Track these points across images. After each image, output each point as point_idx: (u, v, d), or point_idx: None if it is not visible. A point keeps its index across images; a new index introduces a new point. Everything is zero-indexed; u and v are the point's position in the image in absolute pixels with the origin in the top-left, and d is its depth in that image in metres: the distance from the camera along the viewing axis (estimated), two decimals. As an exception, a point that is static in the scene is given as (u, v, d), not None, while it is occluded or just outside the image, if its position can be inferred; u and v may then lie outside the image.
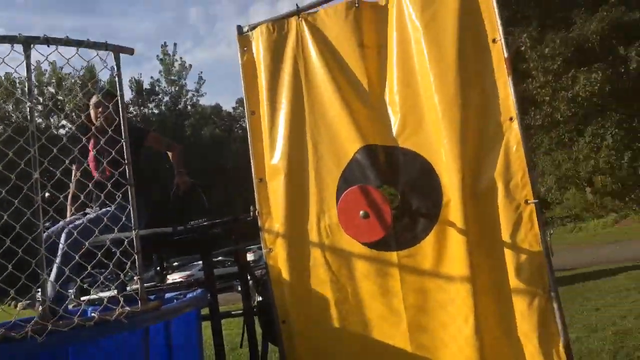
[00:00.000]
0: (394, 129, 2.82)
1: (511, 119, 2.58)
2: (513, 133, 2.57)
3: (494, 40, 2.61)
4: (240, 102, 43.59)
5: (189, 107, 41.48)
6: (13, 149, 2.13)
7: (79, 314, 1.98)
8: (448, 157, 2.63)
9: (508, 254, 2.52)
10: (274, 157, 3.05)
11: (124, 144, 2.27)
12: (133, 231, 2.24)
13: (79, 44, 2.23)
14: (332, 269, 2.86)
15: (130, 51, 2.49)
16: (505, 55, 2.59)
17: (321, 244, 2.89)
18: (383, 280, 2.75)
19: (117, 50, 2.36)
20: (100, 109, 3.05)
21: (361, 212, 2.61)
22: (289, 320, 2.93)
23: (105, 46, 2.32)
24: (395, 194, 2.83)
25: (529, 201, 2.50)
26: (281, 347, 2.96)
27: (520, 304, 2.47)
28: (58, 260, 2.49)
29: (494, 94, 2.63)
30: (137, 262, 2.24)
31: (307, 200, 2.94)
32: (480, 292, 2.52)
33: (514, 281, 2.49)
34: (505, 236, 2.53)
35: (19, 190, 2.09)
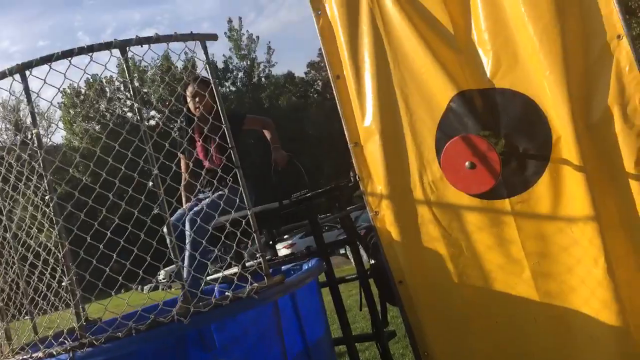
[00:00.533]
0: (488, 70, 2.67)
1: (619, 36, 2.34)
2: (624, 52, 2.34)
3: (590, -48, 2.36)
4: (310, 65, 43.62)
5: (262, 80, 42.13)
6: (130, 149, 2.29)
7: (213, 294, 2.13)
8: (553, 90, 2.45)
9: (635, 186, 2.33)
10: (365, 119, 3.02)
11: (225, 130, 2.36)
12: (248, 211, 2.35)
13: (168, 38, 2.31)
14: (442, 224, 2.82)
15: (214, 37, 2.55)
16: (605, -33, 2.34)
17: (427, 200, 2.85)
18: (498, 230, 2.67)
19: (203, 38, 2.43)
20: (197, 99, 3.17)
21: (467, 163, 2.53)
22: (405, 280, 2.95)
23: (192, 37, 2.39)
24: (499, 138, 2.70)
25: (651, 125, 2.29)
26: (401, 307, 3.00)
27: (655, 236, 2.30)
28: (188, 246, 2.68)
29: (595, 12, 2.39)
30: (256, 240, 2.35)
31: (405, 158, 2.90)
32: (607, 230, 2.37)
33: (645, 213, 2.31)
34: (629, 166, 2.34)
35: (138, 186, 2.25)
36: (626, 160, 2.35)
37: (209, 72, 2.45)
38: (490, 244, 2.70)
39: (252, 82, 41.49)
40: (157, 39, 2.25)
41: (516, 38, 2.56)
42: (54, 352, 1.97)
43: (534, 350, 2.65)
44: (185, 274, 2.29)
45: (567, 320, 2.56)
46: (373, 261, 3.23)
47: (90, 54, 2.10)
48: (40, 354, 2.01)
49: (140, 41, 2.20)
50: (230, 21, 40.20)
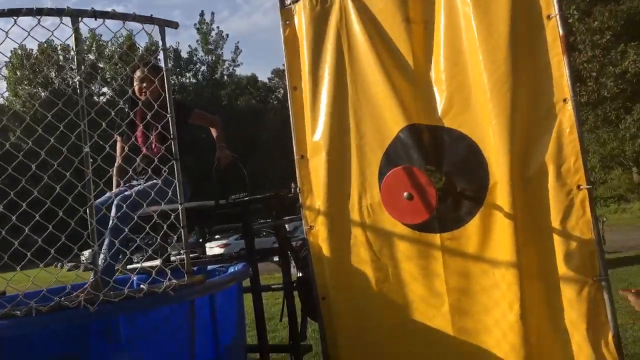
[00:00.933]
0: (440, 108, 2.74)
1: (565, 100, 2.46)
2: (567, 115, 2.46)
3: (548, 17, 2.48)
4: (275, 72, 43.59)
5: (225, 77, 41.74)
6: (64, 122, 2.19)
7: (128, 285, 2.04)
8: (496, 138, 2.55)
9: (557, 241, 2.44)
10: (315, 133, 3.03)
11: (169, 119, 2.29)
12: (179, 205, 2.28)
13: (125, 17, 2.23)
14: (373, 248, 2.85)
15: (175, 25, 2.48)
16: (561, 32, 2.47)
17: (362, 223, 2.88)
18: (425, 262, 2.72)
19: (163, 24, 2.36)
20: (145, 84, 3.08)
21: (405, 194, 2.57)
22: (329, 297, 2.95)
23: (151, 20, 2.32)
24: (440, 175, 2.77)
25: (581, 186, 2.41)
26: (320, 323, 3.00)
27: (568, 291, 2.41)
28: (109, 232, 2.57)
29: (547, 74, 2.51)
30: (182, 236, 2.28)
31: (348, 178, 2.92)
32: (526, 278, 2.47)
33: (562, 268, 2.42)
34: (555, 222, 2.45)
35: (68, 160, 2.14)
36: (554, 215, 2.46)
37: (164, 59, 2.38)
38: (416, 274, 2.75)
39: (214, 77, 40.99)
40: (113, 15, 2.17)
41: (471, 83, 2.65)
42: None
43: (442, 384, 2.70)
44: (100, 260, 2.18)
45: (477, 359, 2.63)
46: (300, 274, 3.21)
47: (39, 16, 2.00)
48: None
49: (94, 14, 2.12)
50: (202, 14, 39.82)
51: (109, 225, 2.59)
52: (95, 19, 2.12)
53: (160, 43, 2.36)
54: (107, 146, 2.22)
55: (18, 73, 35.18)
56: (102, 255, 2.46)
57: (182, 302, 2.15)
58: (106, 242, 2.57)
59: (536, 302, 2.48)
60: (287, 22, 3.15)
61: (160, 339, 2.14)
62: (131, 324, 2.04)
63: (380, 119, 2.86)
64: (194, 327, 2.25)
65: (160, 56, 2.44)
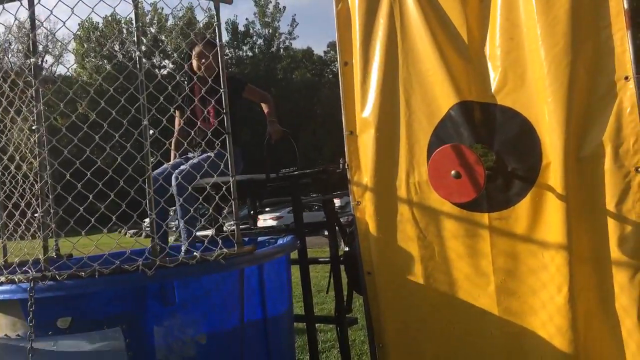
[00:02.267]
0: (493, 85, 2.67)
1: (627, 78, 2.35)
2: (628, 93, 2.35)
3: (612, -11, 2.35)
4: (331, 46, 43.27)
5: (281, 50, 41.85)
6: (124, 96, 2.31)
7: (183, 251, 2.16)
8: (551, 116, 2.47)
9: (611, 224, 2.37)
10: (365, 109, 3.03)
11: (222, 94, 2.37)
12: (230, 178, 2.37)
13: (180, -8, 2.31)
14: (419, 226, 2.86)
15: (229, 0, 2.54)
16: (625, 6, 2.34)
17: (409, 200, 2.88)
18: (472, 241, 2.71)
19: (217, -1, 2.42)
20: (201, 60, 3.17)
21: (452, 172, 2.56)
22: (374, 272, 3.00)
23: (205, -5, 2.39)
24: (490, 153, 2.72)
25: (640, 169, 2.31)
26: (365, 297, 3.05)
27: (621, 276, 2.34)
28: (180, 208, 2.71)
29: (608, 50, 2.39)
30: (233, 208, 2.38)
31: (397, 155, 2.92)
32: (576, 261, 2.41)
33: (615, 252, 2.35)
34: (610, 205, 2.37)
35: (130, 133, 2.27)
36: (609, 197, 2.38)
37: (218, 34, 2.45)
38: (462, 253, 2.74)
39: (271, 51, 41.18)
40: (171, -9, 2.24)
41: (527, 59, 2.57)
42: (16, 279, 2.01)
43: (484, 362, 2.72)
44: (182, 229, 2.33)
45: (522, 340, 2.62)
46: (347, 248, 3.27)
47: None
48: (2, 279, 2.05)
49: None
50: (260, -14, 39.78)
51: (176, 198, 2.72)
52: (154, -7, 2.20)
53: (215, 18, 2.42)
54: (164, 119, 2.33)
55: (85, 46, 36.64)
56: (181, 225, 2.61)
57: (231, 270, 2.26)
58: (180, 213, 2.72)
59: (586, 286, 2.43)
60: (340, -4, 3.13)
61: (211, 304, 2.27)
62: (184, 289, 2.17)
63: (430, 96, 2.82)
64: (242, 295, 2.36)
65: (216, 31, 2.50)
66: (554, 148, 2.47)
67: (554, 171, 2.48)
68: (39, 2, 2.07)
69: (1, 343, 2.22)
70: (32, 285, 1.95)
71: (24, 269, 2.05)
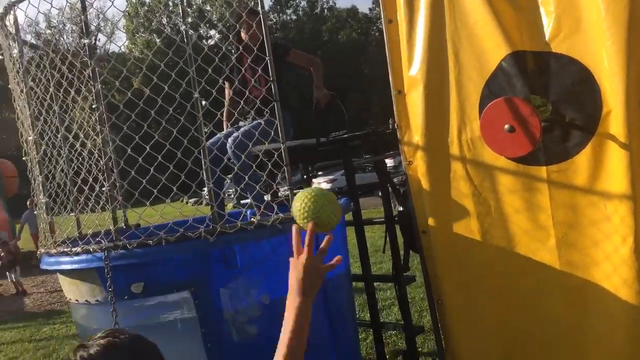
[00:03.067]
0: (547, 32, 2.55)
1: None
2: None
3: None
4: (377, 2, 42.09)
5: (325, 11, 41.14)
6: (175, 70, 2.38)
7: (241, 218, 2.25)
8: (611, 62, 2.33)
9: (678, 170, 2.25)
10: (412, 67, 2.97)
11: (268, 62, 2.40)
12: (281, 144, 2.42)
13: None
14: (473, 182, 2.82)
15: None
16: None
17: (462, 157, 2.84)
18: (529, 195, 2.65)
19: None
20: (244, 29, 3.19)
21: (506, 126, 2.49)
22: (429, 231, 3.01)
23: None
24: (547, 104, 2.62)
25: None
26: (421, 256, 3.08)
27: (689, 225, 2.24)
28: (234, 176, 2.80)
29: None
30: (286, 174, 2.44)
31: (447, 112, 2.87)
32: (641, 211, 2.33)
33: (682, 199, 2.24)
34: (676, 150, 2.25)
35: (182, 106, 2.35)
36: (674, 143, 2.26)
37: (260, 1, 2.46)
38: (519, 207, 2.70)
39: (315, 12, 40.56)
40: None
41: (582, 2, 2.42)
42: (91, 249, 2.17)
43: (544, 317, 2.70)
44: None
45: (585, 293, 2.58)
46: (401, 208, 3.29)
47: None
48: (78, 249, 2.22)
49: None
50: (300, -54, 38.97)
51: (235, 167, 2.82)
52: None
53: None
54: (213, 90, 2.40)
55: (134, 22, 37.43)
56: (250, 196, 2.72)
57: (288, 233, 2.33)
58: (235, 181, 2.82)
59: (652, 236, 2.34)
60: (383, -47, 3.04)
61: (271, 266, 2.36)
62: (245, 253, 2.27)
63: (480, 49, 2.73)
64: (300, 256, 2.43)
65: None
66: (614, 95, 2.35)
67: (615, 119, 2.36)
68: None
69: (83, 308, 2.42)
70: (106, 254, 2.10)
71: (97, 239, 2.20)
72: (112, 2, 2.26)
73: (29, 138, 2.63)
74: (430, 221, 2.99)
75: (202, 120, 2.28)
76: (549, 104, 2.60)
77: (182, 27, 2.28)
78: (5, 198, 14.05)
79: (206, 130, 2.42)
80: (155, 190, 2.18)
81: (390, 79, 3.06)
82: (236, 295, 2.24)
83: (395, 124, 3.07)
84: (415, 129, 2.99)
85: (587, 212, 2.52)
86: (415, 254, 3.24)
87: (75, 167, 2.61)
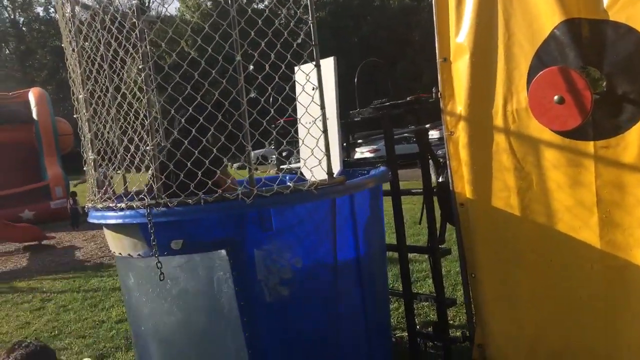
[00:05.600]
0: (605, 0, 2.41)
1: None
2: None
3: None
4: (431, -34, 40.33)
5: (377, -24, 40.10)
6: (218, 33, 2.40)
7: (277, 182, 2.28)
8: (674, 32, 2.19)
9: None
10: (459, 34, 2.88)
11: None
12: (320, 110, 2.41)
13: None
14: (516, 155, 2.74)
15: None
16: None
17: (506, 129, 2.76)
18: (574, 171, 2.56)
19: None
20: None
21: (555, 97, 2.39)
22: (467, 203, 2.96)
23: None
24: (601, 75, 2.50)
25: None
26: (458, 229, 3.04)
27: None
28: None
29: None
30: (323, 140, 2.44)
31: (493, 82, 2.77)
32: (693, 192, 2.21)
33: None
34: None
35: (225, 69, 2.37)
36: None
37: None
38: (562, 183, 2.61)
39: (366, -24, 39.60)
40: None
41: None
42: (134, 206, 2.27)
43: (582, 296, 2.64)
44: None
45: (625, 273, 2.50)
46: (441, 179, 3.24)
47: None
48: (122, 205, 2.32)
49: None
50: None
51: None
52: None
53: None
54: (255, 54, 2.40)
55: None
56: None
57: (323, 199, 2.36)
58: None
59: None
60: None
61: (305, 231, 2.40)
62: (280, 216, 2.31)
63: (532, 15, 2.61)
64: (334, 223, 2.46)
65: None
66: (674, 67, 2.21)
67: (673, 94, 2.23)
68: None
69: (125, 261, 2.54)
70: (148, 211, 2.18)
71: (140, 196, 2.29)
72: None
73: (80, 96, 2.73)
74: (469, 194, 2.94)
75: (244, 84, 2.29)
76: (602, 75, 2.48)
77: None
78: (60, 155, 14.75)
79: (252, 95, 2.43)
80: (196, 151, 2.23)
81: (437, 46, 2.97)
82: (270, 257, 2.29)
83: (439, 93, 3.00)
84: (459, 99, 2.92)
85: (635, 191, 2.42)
86: (452, 227, 3.21)
87: (123, 126, 2.70)
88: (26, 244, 9.62)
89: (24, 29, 41.06)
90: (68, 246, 9.68)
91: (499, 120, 2.77)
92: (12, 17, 41.15)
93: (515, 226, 2.79)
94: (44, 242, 9.69)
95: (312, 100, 2.41)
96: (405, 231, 3.37)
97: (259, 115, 2.36)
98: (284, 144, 2.65)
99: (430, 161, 3.34)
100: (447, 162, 3.02)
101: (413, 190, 3.55)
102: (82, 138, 2.86)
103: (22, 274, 7.75)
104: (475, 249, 2.99)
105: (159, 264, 2.19)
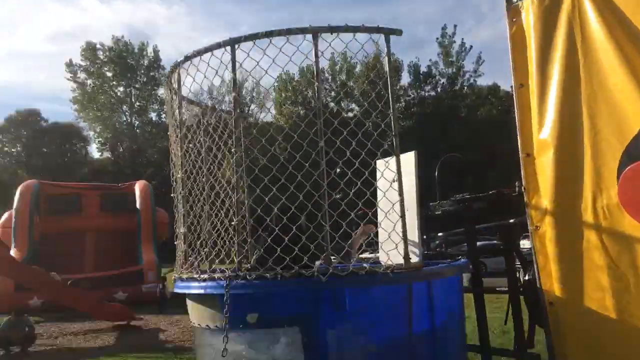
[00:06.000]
0: None
1: None
2: None
3: None
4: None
5: (465, 89, 41.11)
6: (306, 140, 2.57)
7: (353, 262, 2.31)
8: None
9: None
10: (542, 131, 2.89)
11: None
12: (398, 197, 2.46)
13: (355, 29, 2.51)
14: (610, 254, 2.58)
15: (399, 32, 2.66)
16: None
17: (597, 225, 2.63)
18: (675, 272, 2.35)
19: (387, 32, 2.58)
20: None
21: (648, 191, 2.28)
22: (557, 304, 2.77)
23: (377, 30, 2.57)
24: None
25: None
26: (547, 331, 2.83)
27: None
28: None
29: None
30: (401, 227, 2.46)
31: (580, 177, 2.71)
32: None
33: None
34: None
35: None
36: None
37: (387, 64, 2.59)
38: (664, 286, 2.39)
39: (454, 89, 40.72)
40: (346, 29, 2.47)
41: None
42: (215, 277, 2.37)
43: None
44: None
45: None
46: (527, 277, 3.08)
47: (288, 36, 2.42)
48: (205, 276, 2.44)
49: (331, 29, 2.46)
50: (444, 27, 40.08)
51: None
52: (332, 33, 2.46)
53: (386, 50, 2.58)
54: (339, 161, 2.51)
55: (283, 94, 40.71)
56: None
57: (399, 283, 2.33)
58: None
59: None
60: (514, 20, 3.09)
61: (380, 314, 2.35)
62: (355, 297, 2.30)
63: (619, 113, 2.58)
64: (411, 309, 2.39)
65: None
66: None
67: None
68: (238, 48, 2.46)
69: (203, 331, 2.61)
70: (227, 282, 2.28)
71: (221, 268, 2.41)
72: (266, 71, 2.54)
73: (179, 193, 2.91)
74: (558, 292, 2.76)
75: (327, 189, 2.36)
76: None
77: (317, 104, 2.45)
78: (156, 243, 15.69)
79: (338, 196, 2.51)
80: (278, 249, 2.32)
81: (519, 142, 2.99)
82: (342, 338, 2.25)
83: (523, 187, 2.96)
84: (544, 193, 2.86)
85: None
86: (541, 329, 2.98)
87: (214, 222, 2.81)
88: (116, 323, 10.03)
89: (137, 130, 45.97)
90: (153, 328, 9.96)
91: (588, 216, 2.66)
92: (129, 120, 46.38)
93: (611, 330, 2.56)
94: (133, 322, 10.06)
95: (390, 186, 2.48)
96: (488, 332, 3.17)
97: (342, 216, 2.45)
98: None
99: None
100: (534, 257, 2.89)
101: (497, 289, 3.39)
102: (175, 214, 3.04)
103: (110, 350, 8.03)
104: (568, 355, 2.74)
105: (225, 338, 2.23)
